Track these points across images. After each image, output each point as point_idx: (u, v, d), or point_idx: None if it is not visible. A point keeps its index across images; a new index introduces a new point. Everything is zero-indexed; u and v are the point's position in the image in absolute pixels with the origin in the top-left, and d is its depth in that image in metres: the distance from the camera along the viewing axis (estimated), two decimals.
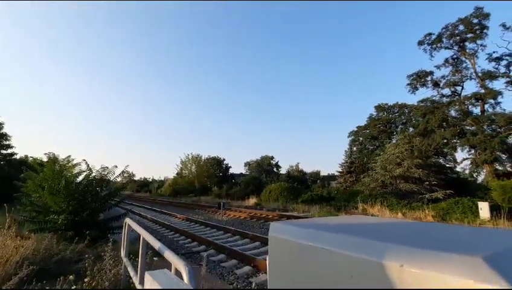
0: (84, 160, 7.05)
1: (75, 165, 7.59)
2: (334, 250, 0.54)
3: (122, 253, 4.15)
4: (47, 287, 3.40)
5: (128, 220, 4.28)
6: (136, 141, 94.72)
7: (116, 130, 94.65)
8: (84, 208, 6.62)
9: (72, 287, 3.12)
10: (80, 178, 7.10)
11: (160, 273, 1.07)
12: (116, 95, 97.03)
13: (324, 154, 79.05)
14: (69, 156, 8.35)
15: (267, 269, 0.77)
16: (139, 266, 2.95)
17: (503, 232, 0.62)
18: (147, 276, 1.07)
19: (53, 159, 8.54)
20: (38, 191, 6.89)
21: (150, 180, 56.67)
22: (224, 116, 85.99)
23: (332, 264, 0.54)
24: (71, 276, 3.15)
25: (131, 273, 3.38)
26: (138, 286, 2.87)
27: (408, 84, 25.57)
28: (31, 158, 21.82)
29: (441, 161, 23.09)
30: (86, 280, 3.23)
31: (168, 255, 2.10)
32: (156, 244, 2.44)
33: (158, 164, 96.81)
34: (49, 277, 3.97)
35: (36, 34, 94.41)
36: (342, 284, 0.51)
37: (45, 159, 9.81)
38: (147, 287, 1.05)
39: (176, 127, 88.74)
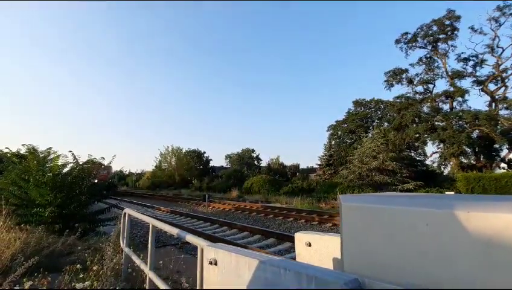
0: (71, 151, 6.88)
1: (59, 156, 7.37)
2: (409, 208, 0.75)
3: (122, 243, 4.20)
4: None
5: (127, 210, 4.32)
6: (110, 133, 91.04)
7: (87, 121, 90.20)
8: (72, 200, 6.50)
9: (80, 276, 3.17)
10: (66, 170, 6.92)
11: (222, 245, 1.24)
12: (86, 82, 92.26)
13: (303, 148, 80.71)
14: (50, 148, 8.07)
15: (341, 235, 0.97)
16: (149, 253, 3.05)
17: None
18: (210, 249, 1.23)
19: (32, 151, 8.19)
20: (21, 183, 6.65)
21: (127, 173, 55.02)
22: (205, 108, 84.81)
23: (408, 219, 0.75)
24: (78, 265, 3.19)
25: (137, 261, 3.47)
26: (149, 273, 2.99)
27: (385, 81, 26.72)
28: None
29: (412, 154, 24.56)
30: (94, 268, 3.28)
31: (191, 238, 2.24)
32: (174, 230, 2.57)
33: (134, 156, 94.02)
34: (43, 270, 3.95)
35: None
36: (419, 230, 0.73)
37: (23, 150, 9.35)
38: (210, 257, 1.21)
39: (153, 119, 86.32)
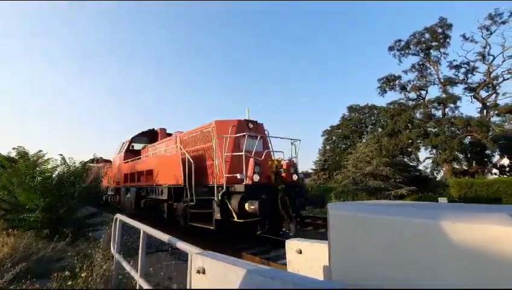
0: (61, 154, 6.81)
1: (48, 159, 7.29)
2: (396, 218, 0.75)
3: (113, 249, 4.13)
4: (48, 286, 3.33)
5: (119, 215, 4.26)
6: (109, 133, 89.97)
7: (86, 122, 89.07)
8: (61, 205, 6.39)
9: (68, 283, 3.10)
10: (56, 173, 6.83)
11: (210, 254, 1.22)
12: (66, 74, 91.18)
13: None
14: (40, 150, 7.96)
15: (329, 243, 0.96)
16: (139, 260, 3.00)
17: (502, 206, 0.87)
18: (199, 257, 1.21)
19: (23, 154, 8.06)
20: (10, 187, 6.53)
21: None
22: (201, 112, 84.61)
23: (396, 229, 0.75)
24: (67, 272, 3.13)
25: (127, 267, 3.41)
26: (139, 279, 2.94)
27: (378, 87, 27.03)
28: None
29: (405, 159, 24.78)
30: (82, 275, 3.22)
31: (181, 245, 2.22)
32: (165, 237, 2.54)
33: None
34: (32, 276, 3.88)
35: None
36: (406, 240, 0.72)
37: (13, 154, 9.20)
38: (198, 265, 1.19)
39: (149, 121, 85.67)
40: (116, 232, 4.18)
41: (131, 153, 12.47)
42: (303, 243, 1.85)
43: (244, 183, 6.14)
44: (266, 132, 7.94)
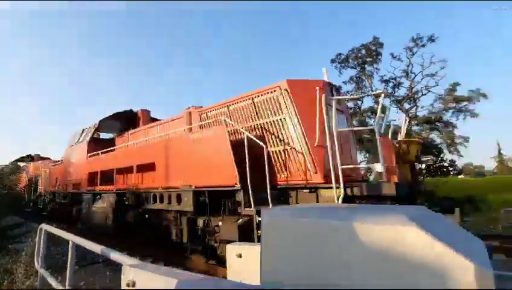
0: None
1: None
2: (315, 220, 0.85)
3: (37, 264, 3.67)
4: None
5: (44, 226, 3.82)
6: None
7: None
8: None
9: None
10: None
11: (142, 265, 1.20)
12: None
13: None
14: None
15: (261, 247, 1.02)
16: (68, 273, 2.74)
17: (405, 207, 1.05)
18: (131, 270, 1.18)
19: None
20: None
21: None
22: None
23: (316, 231, 0.84)
24: None
25: (53, 283, 3.09)
26: None
27: None
28: None
29: None
30: None
31: (115, 256, 2.11)
32: (97, 247, 2.37)
33: None
34: None
35: None
36: (325, 241, 0.82)
37: None
38: (128, 278, 1.16)
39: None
40: (41, 245, 3.75)
41: (98, 144, 8.79)
42: (242, 246, 1.91)
43: (384, 181, 3.59)
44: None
